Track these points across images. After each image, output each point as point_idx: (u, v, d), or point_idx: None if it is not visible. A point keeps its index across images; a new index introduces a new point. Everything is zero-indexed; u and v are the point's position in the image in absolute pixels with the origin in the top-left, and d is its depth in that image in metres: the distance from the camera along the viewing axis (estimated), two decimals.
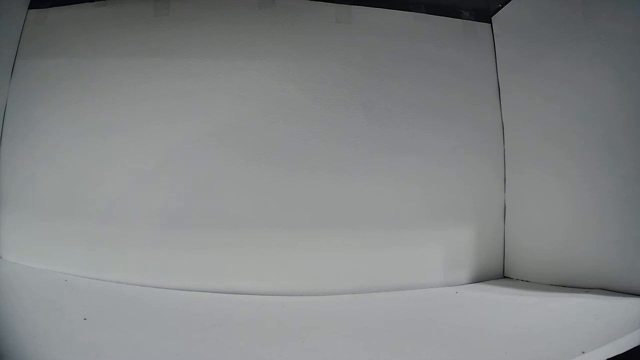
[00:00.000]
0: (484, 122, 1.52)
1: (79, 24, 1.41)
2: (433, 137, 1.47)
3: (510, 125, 1.50)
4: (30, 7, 1.42)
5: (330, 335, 0.96)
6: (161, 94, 1.38)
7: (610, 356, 0.75)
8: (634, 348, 0.77)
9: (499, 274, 1.48)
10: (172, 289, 1.25)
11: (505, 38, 1.54)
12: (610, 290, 1.06)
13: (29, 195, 1.32)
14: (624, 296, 1.01)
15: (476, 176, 1.49)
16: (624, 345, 0.77)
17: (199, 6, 1.43)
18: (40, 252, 1.28)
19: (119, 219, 1.32)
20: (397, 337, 0.94)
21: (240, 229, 1.34)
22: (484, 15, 1.59)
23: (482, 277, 1.45)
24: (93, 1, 1.43)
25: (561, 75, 1.26)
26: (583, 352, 0.75)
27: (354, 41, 1.48)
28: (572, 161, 1.22)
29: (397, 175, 1.44)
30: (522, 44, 1.44)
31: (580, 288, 1.13)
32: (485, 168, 1.50)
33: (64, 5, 1.43)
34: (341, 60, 1.46)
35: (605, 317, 0.91)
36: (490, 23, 1.59)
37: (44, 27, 1.41)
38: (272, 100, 1.41)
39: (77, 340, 0.82)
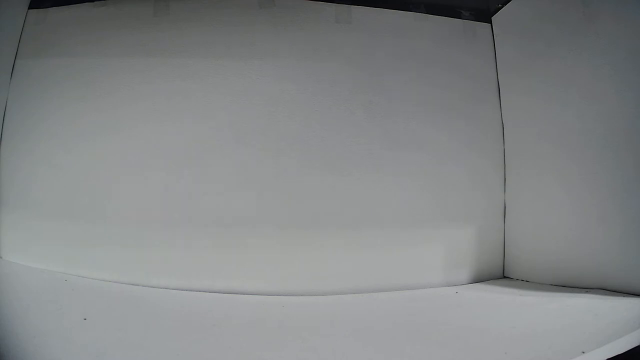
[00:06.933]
0: (484, 122, 1.52)
1: (79, 24, 1.41)
2: (433, 137, 1.47)
3: (510, 125, 1.50)
4: (30, 7, 1.42)
5: (331, 335, 0.96)
6: (161, 94, 1.38)
7: (610, 356, 0.75)
8: (634, 348, 0.77)
9: (499, 274, 1.48)
10: (172, 289, 1.25)
11: (505, 38, 1.54)
12: (610, 290, 1.06)
13: (29, 195, 1.32)
14: (624, 296, 1.01)
15: (476, 176, 1.49)
16: (624, 345, 0.77)
17: (199, 6, 1.43)
18: (40, 252, 1.28)
19: (119, 219, 1.32)
20: (397, 337, 0.94)
21: (241, 229, 1.34)
22: (484, 15, 1.59)
23: (482, 277, 1.45)
24: (93, 1, 1.43)
25: (561, 75, 1.26)
26: (583, 352, 0.75)
27: (353, 41, 1.48)
28: (572, 161, 1.22)
29: (397, 176, 1.44)
30: (522, 44, 1.44)
31: (580, 288, 1.13)
32: (485, 168, 1.50)
33: (64, 5, 1.43)
34: (341, 60, 1.46)
35: (605, 317, 0.91)
36: (490, 23, 1.59)
37: (44, 27, 1.41)
38: (272, 100, 1.41)
39: (77, 340, 0.82)
